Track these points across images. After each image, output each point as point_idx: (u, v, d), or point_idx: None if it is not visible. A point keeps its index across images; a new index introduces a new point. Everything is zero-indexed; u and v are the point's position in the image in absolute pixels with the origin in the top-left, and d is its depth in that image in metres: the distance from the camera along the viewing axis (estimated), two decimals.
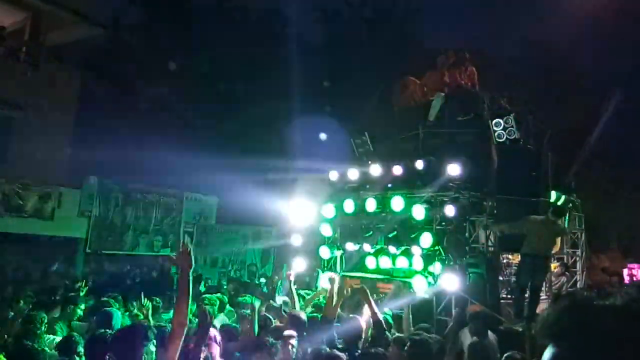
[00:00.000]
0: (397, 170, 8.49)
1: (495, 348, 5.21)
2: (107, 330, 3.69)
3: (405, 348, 4.13)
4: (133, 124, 14.26)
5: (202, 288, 9.65)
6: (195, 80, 16.39)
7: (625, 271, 10.84)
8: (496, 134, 8.84)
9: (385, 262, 8.36)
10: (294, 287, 6.14)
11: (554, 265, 8.93)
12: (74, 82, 14.72)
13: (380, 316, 4.76)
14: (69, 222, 12.57)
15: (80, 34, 14.90)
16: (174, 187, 14.72)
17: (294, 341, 4.20)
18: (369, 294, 4.87)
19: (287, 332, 4.32)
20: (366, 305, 4.88)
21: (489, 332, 5.63)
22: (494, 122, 8.94)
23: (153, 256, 13.75)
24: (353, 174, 9.25)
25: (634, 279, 11.53)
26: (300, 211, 9.73)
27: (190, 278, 2.98)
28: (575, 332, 0.74)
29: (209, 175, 14.23)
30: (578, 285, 9.08)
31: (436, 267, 7.59)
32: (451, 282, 7.14)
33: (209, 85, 16.95)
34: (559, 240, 7.89)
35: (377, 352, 3.88)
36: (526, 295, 7.32)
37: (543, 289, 7.83)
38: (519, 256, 7.77)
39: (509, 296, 8.04)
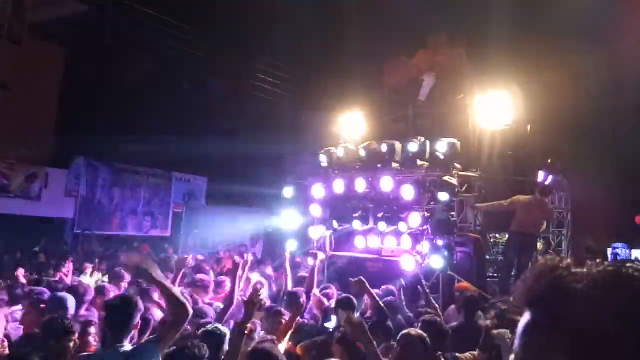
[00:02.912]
0: (387, 150, 8.49)
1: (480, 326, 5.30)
2: (62, 314, 3.66)
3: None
4: (121, 103, 14.05)
5: None
6: (184, 59, 16.14)
7: (609, 250, 11.05)
8: (486, 114, 8.84)
9: (374, 242, 8.42)
10: (288, 266, 6.22)
11: (539, 244, 9.06)
12: (59, 61, 14.42)
13: (381, 303, 4.77)
14: (56, 203, 12.46)
15: (66, 11, 14.54)
16: (163, 168, 14.61)
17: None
18: (366, 283, 4.88)
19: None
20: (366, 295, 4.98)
21: None
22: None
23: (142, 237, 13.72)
24: (343, 154, 9.23)
25: (618, 258, 11.77)
26: (289, 192, 9.72)
27: (159, 278, 3.00)
28: (550, 297, 0.75)
29: (199, 155, 14.14)
30: None
31: (424, 246, 7.66)
32: (439, 261, 7.23)
33: (199, 64, 16.70)
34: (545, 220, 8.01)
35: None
36: (512, 273, 7.43)
37: (529, 267, 7.94)
38: (506, 235, 7.87)
39: (495, 275, 8.16)
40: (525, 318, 0.79)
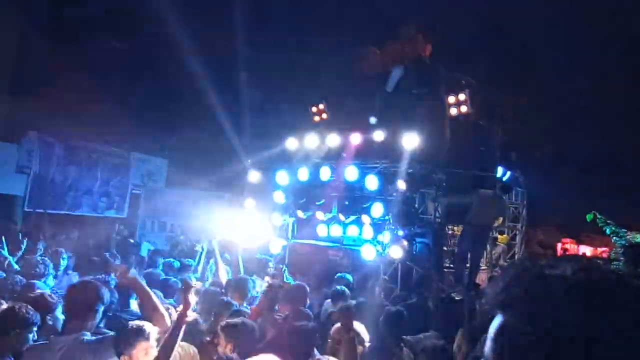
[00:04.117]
0: (355, 139, 8.51)
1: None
2: None
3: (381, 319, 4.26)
4: (79, 78, 13.44)
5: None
6: (146, 35, 15.59)
7: (559, 245, 11.57)
8: (450, 108, 9.01)
9: (336, 231, 8.48)
10: (218, 255, 6.09)
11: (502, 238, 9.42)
12: (13, 30, 13.61)
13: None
14: (6, 179, 11.85)
15: None
16: (121, 147, 14.11)
17: None
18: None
19: None
20: None
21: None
22: (448, 97, 9.10)
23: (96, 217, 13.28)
24: (308, 141, 9.19)
25: (566, 252, 12.38)
26: (253, 177, 9.63)
27: (146, 290, 3.09)
28: (524, 300, 0.73)
29: (159, 135, 13.75)
30: (516, 257, 9.59)
31: (385, 236, 7.78)
32: (398, 251, 7.36)
33: (161, 40, 16.18)
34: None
35: None
36: (467, 264, 7.65)
37: (482, 258, 8.21)
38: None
39: (451, 265, 8.39)
40: (497, 320, 0.77)
